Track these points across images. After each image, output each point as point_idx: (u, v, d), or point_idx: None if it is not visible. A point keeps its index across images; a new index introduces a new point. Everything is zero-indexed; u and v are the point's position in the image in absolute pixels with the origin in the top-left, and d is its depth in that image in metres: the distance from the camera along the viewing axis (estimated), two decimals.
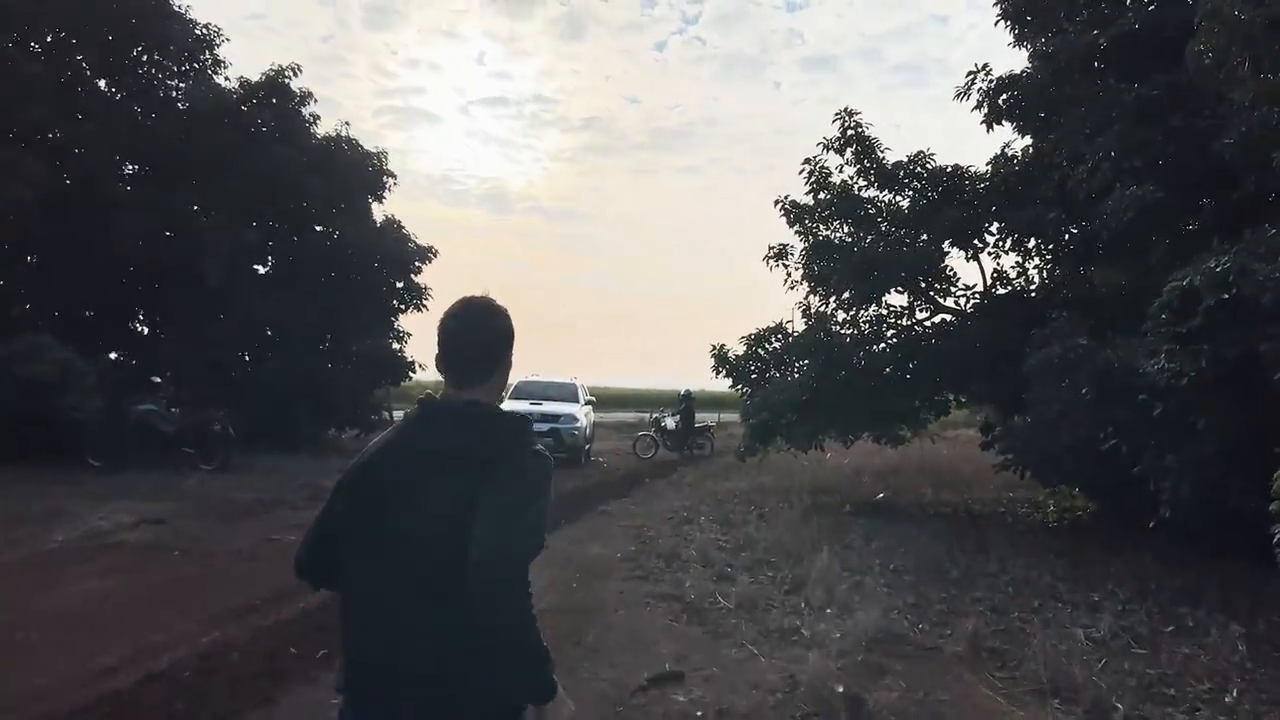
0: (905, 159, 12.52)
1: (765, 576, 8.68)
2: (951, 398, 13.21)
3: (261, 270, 19.05)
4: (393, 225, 19.88)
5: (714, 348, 13.51)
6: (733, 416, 46.87)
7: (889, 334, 12.43)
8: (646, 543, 10.56)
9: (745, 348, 13.38)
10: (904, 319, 12.64)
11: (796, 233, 13.07)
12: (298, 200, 18.04)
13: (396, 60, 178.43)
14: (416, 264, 21.11)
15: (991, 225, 12.30)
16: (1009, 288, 12.81)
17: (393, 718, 1.92)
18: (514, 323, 2.16)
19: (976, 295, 12.78)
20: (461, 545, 1.81)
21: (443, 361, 2.11)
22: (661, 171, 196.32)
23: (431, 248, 21.69)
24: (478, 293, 2.16)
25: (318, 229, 19.05)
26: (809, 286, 12.80)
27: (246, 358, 18.87)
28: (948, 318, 12.81)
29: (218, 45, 18.31)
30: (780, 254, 13.16)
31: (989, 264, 12.83)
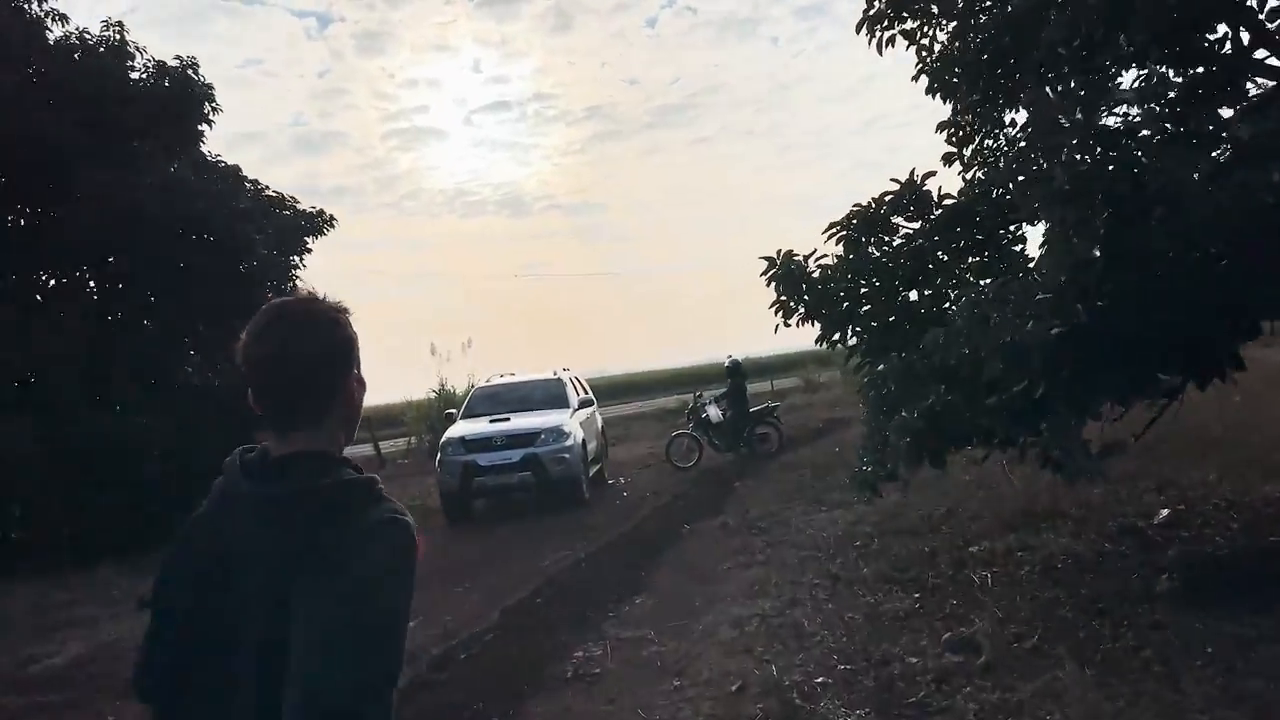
0: None
1: None
2: None
3: None
4: (235, 177, 12.75)
5: (771, 261, 6.25)
6: (789, 382, 39.57)
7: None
8: None
9: (842, 242, 6.09)
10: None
11: None
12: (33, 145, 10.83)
13: (394, 83, 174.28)
14: (300, 242, 14.10)
15: None
16: None
17: None
18: (351, 331, 1.51)
19: None
20: (275, 686, 1.28)
21: (253, 399, 1.48)
22: (671, 148, 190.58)
23: (321, 212, 14.69)
24: (326, 296, 1.53)
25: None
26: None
27: None
28: None
29: None
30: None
31: None
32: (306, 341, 1.45)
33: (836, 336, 6.44)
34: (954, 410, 4.59)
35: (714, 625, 6.13)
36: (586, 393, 15.15)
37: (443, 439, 12.76)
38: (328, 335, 1.48)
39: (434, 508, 12.60)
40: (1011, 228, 5.99)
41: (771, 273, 6.34)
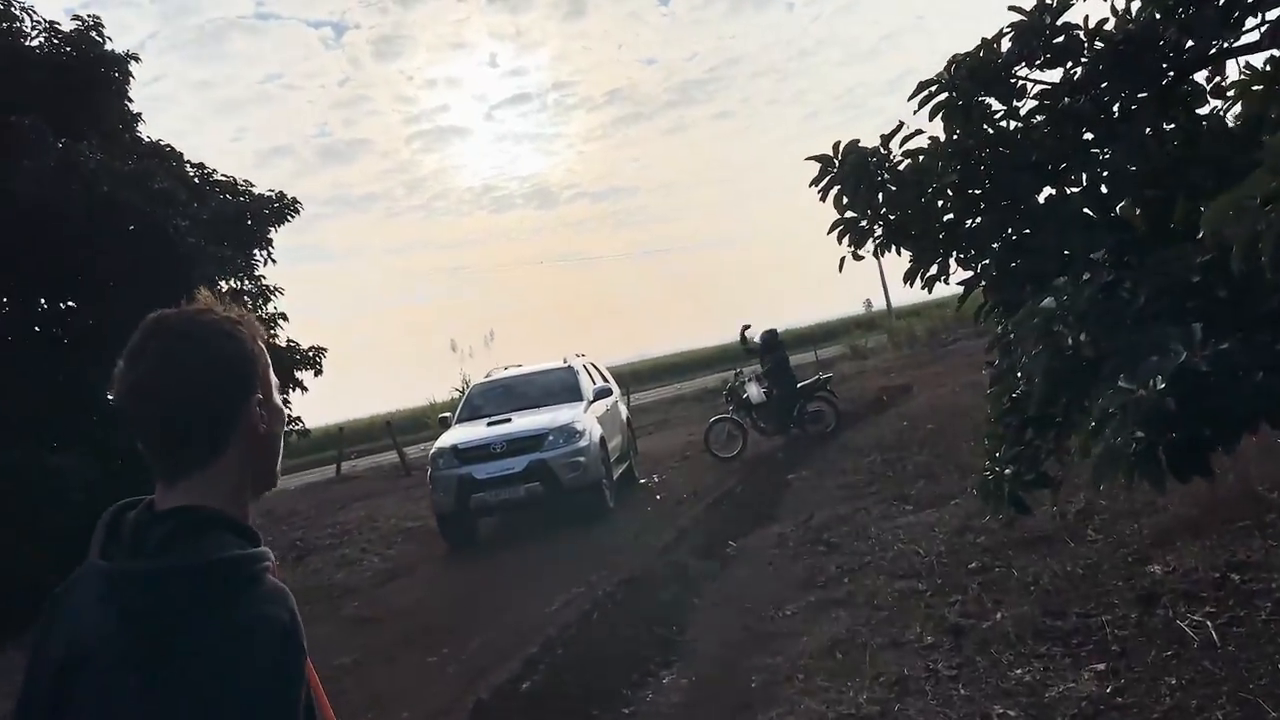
0: None
1: None
2: None
3: None
4: (158, 155, 10.64)
5: (827, 161, 4.00)
6: (833, 350, 36.94)
7: None
8: None
9: (941, 112, 3.78)
10: None
11: None
12: None
13: (414, 85, 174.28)
14: (257, 232, 12.07)
15: None
16: None
17: None
18: (251, 346, 1.23)
19: None
20: None
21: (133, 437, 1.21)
22: (695, 124, 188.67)
23: (282, 195, 12.68)
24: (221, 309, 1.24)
25: None
26: None
27: None
28: None
29: None
30: None
31: None
32: (187, 363, 1.16)
33: (935, 269, 4.19)
34: (1229, 364, 2.31)
35: None
36: (606, 380, 12.96)
37: (432, 450, 10.65)
38: (216, 353, 1.18)
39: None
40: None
41: (829, 178, 4.08)
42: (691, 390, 32.28)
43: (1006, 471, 3.93)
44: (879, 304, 71.17)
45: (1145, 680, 3.65)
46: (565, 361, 12.18)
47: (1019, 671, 3.97)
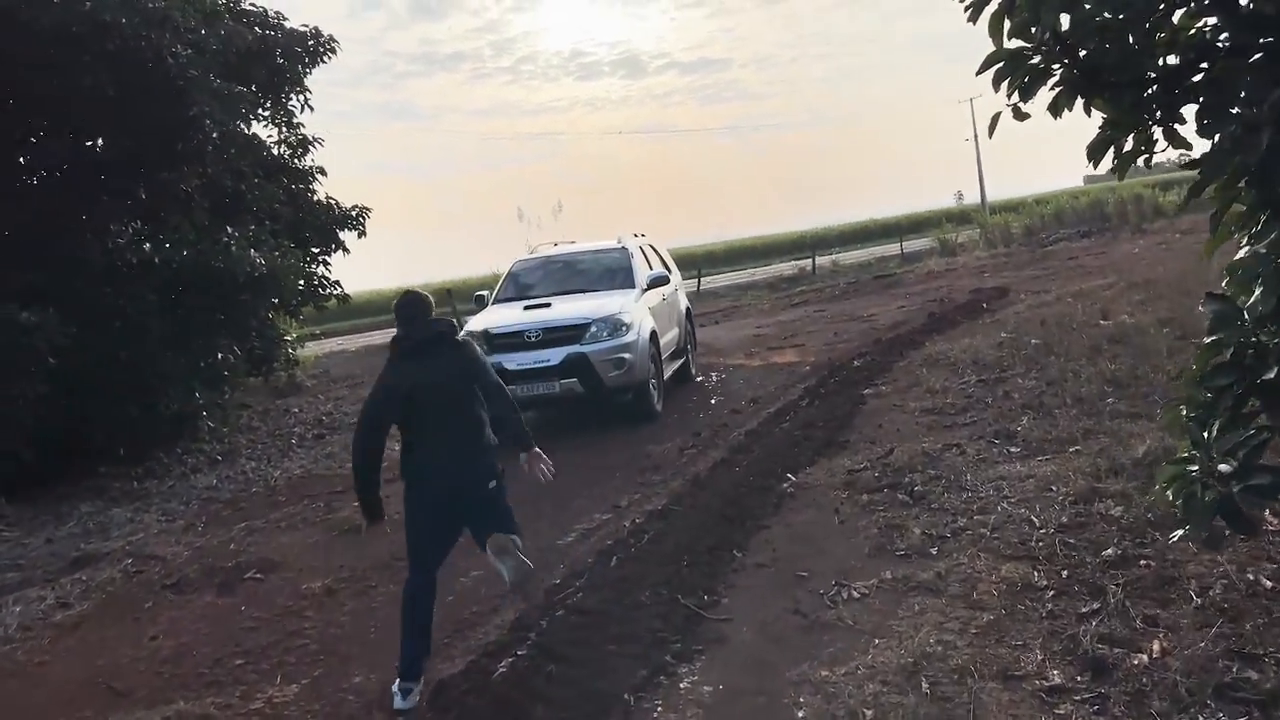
0: None
1: None
2: None
3: None
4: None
5: None
6: (921, 243, 34.44)
7: None
8: None
9: None
10: None
11: None
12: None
13: None
14: (289, 72, 10.74)
15: None
16: None
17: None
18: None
19: None
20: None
21: None
22: None
23: (317, 31, 11.36)
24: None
25: None
26: None
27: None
28: None
29: None
30: None
31: None
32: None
33: (1135, 142, 2.68)
34: None
35: None
36: (666, 265, 11.52)
37: (460, 333, 9.44)
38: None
39: None
40: None
41: None
42: (765, 277, 30.62)
43: (1221, 468, 2.52)
44: (970, 197, 67.50)
45: None
46: (619, 242, 10.73)
47: None
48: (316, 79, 14.12)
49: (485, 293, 10.44)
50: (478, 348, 4.31)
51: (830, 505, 5.61)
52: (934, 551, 4.61)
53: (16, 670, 4.83)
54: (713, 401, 10.07)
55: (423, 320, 3.99)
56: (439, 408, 3.91)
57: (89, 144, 8.50)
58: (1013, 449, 6.23)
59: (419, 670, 3.82)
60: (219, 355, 9.84)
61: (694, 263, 33.58)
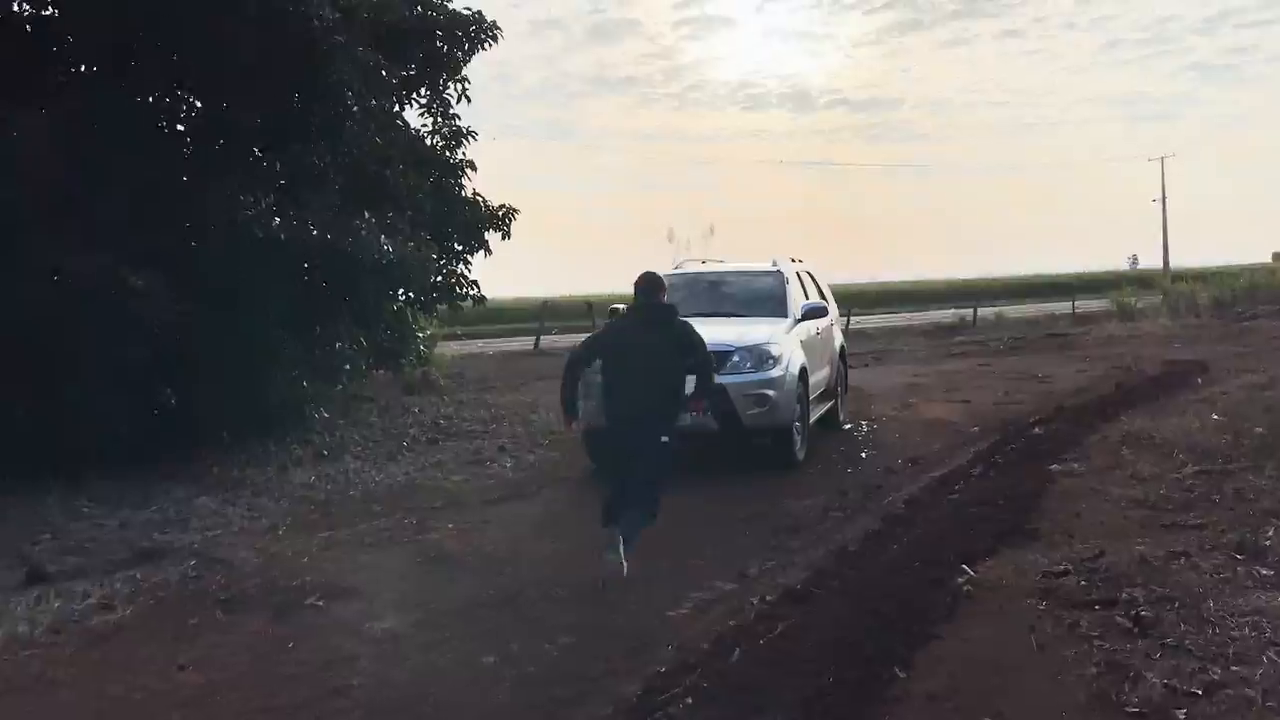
0: None
1: None
2: None
3: None
4: None
5: None
6: (1096, 304, 31.58)
7: None
8: None
9: None
10: None
11: None
12: None
13: None
14: (446, 57, 10.23)
15: None
16: None
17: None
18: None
19: None
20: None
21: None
22: (977, 40, 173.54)
23: (480, 15, 10.79)
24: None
25: None
26: None
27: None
28: None
29: None
30: None
31: None
32: None
33: None
34: None
35: None
36: (823, 296, 10.35)
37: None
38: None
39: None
40: None
41: None
42: (921, 322, 28.76)
43: None
44: (1147, 261, 62.89)
45: None
46: (774, 264, 9.62)
47: None
48: (492, 91, 13.69)
49: (621, 306, 9.52)
50: (694, 329, 5.54)
51: (1024, 619, 4.34)
52: (1183, 717, 3.31)
53: (25, 685, 4.13)
54: (863, 455, 8.82)
55: (656, 295, 5.58)
56: (636, 364, 5.34)
57: (224, 106, 8.09)
58: (1263, 570, 4.79)
59: (616, 516, 5.17)
60: (337, 344, 9.28)
61: (842, 301, 31.98)
